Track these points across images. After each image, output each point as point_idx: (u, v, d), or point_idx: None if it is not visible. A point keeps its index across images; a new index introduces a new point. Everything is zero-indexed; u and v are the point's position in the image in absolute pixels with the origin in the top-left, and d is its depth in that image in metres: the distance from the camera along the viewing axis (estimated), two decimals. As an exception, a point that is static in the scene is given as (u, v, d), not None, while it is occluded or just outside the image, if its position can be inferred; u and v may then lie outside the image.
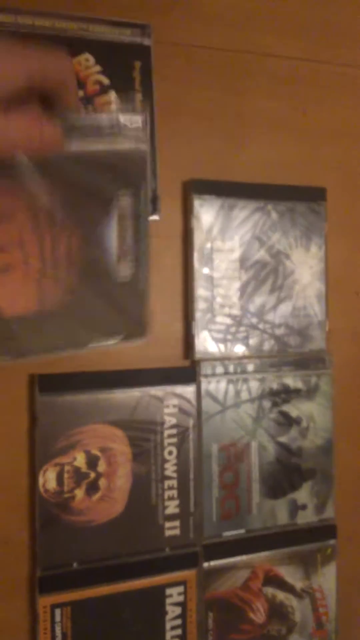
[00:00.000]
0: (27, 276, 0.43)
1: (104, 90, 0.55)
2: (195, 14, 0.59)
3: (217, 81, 0.60)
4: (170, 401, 0.57)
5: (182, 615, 0.57)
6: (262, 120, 0.61)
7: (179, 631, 0.57)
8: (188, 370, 0.58)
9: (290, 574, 0.61)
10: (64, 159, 0.41)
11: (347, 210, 0.65)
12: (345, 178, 0.65)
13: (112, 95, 0.55)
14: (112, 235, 0.45)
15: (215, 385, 0.58)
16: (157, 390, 0.56)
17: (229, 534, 0.59)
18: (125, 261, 0.45)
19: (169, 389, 0.57)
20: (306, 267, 0.61)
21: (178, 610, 0.57)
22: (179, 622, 0.57)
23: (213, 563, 0.59)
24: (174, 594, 0.57)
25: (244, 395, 0.59)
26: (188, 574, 0.57)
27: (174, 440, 0.57)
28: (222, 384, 0.59)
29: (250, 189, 0.59)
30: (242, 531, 0.60)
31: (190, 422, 0.58)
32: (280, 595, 0.61)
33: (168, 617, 0.57)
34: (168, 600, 0.57)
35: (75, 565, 0.54)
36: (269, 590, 0.61)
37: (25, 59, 0.36)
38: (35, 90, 0.38)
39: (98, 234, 0.44)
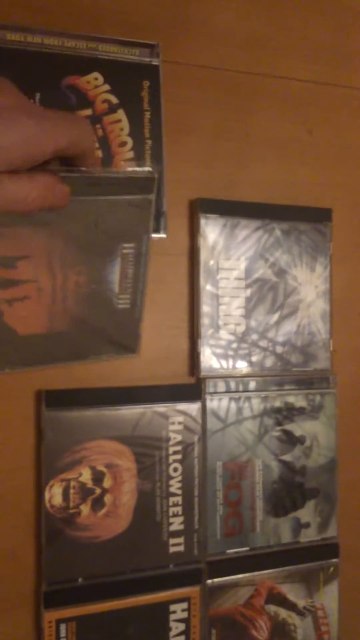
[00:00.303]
0: (40, 304, 0.50)
1: (112, 109, 0.55)
2: (204, 34, 0.59)
3: (225, 101, 0.60)
4: (176, 418, 0.57)
5: (186, 632, 0.57)
6: (268, 141, 0.61)
7: (182, 648, 0.58)
8: (193, 387, 0.58)
9: (293, 592, 0.61)
10: (76, 208, 0.45)
11: (352, 231, 0.65)
12: (351, 199, 0.65)
13: (121, 114, 0.55)
14: (116, 274, 0.51)
15: (219, 403, 0.58)
16: (162, 407, 0.56)
17: (232, 551, 0.59)
18: (125, 293, 0.52)
19: (175, 406, 0.57)
20: (311, 287, 0.61)
21: (182, 627, 0.57)
22: (182, 638, 0.57)
23: (217, 580, 0.58)
24: (178, 611, 0.57)
25: (247, 413, 0.59)
26: (192, 590, 0.57)
27: (179, 457, 0.57)
28: (226, 402, 0.58)
29: (257, 208, 0.59)
30: (245, 549, 0.59)
31: (195, 439, 0.57)
32: (283, 613, 0.61)
33: (172, 633, 0.57)
34: (172, 617, 0.56)
35: (80, 580, 0.54)
36: (272, 608, 0.60)
37: (54, 134, 0.38)
38: (59, 156, 0.42)
39: (104, 272, 0.51)
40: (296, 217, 0.61)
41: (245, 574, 0.59)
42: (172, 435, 0.57)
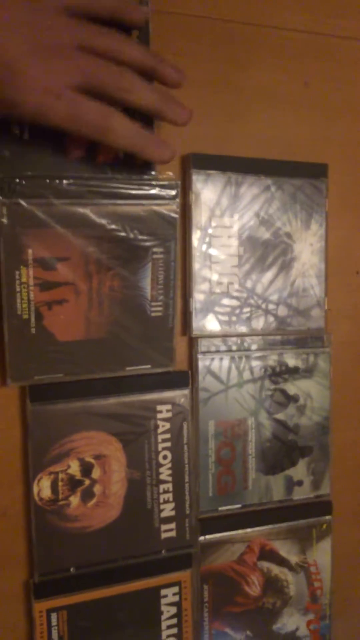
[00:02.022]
0: (78, 308, 0.49)
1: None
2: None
3: (218, 53, 0.54)
4: (164, 406, 0.53)
5: (178, 615, 0.55)
6: (263, 94, 0.56)
7: (174, 630, 0.55)
8: (181, 374, 0.54)
9: (286, 549, 0.59)
10: (111, 214, 0.49)
11: (349, 187, 0.60)
12: (348, 154, 0.60)
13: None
14: (147, 279, 0.51)
15: (212, 363, 0.55)
16: (150, 396, 0.53)
17: (224, 508, 0.56)
18: (157, 300, 0.52)
19: (162, 394, 0.53)
20: (306, 245, 0.57)
21: (173, 610, 0.55)
22: (174, 621, 0.55)
23: (209, 537, 0.56)
24: (169, 595, 0.54)
25: (241, 373, 0.56)
26: (183, 574, 0.55)
27: (168, 444, 0.54)
28: (219, 362, 0.55)
29: (250, 163, 0.55)
30: (238, 506, 0.57)
31: (184, 426, 0.54)
32: (276, 569, 0.58)
33: (163, 617, 0.54)
34: (163, 601, 0.54)
35: (72, 570, 0.51)
36: (265, 565, 0.58)
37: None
38: None
39: (136, 277, 0.50)
40: (291, 172, 0.56)
41: (238, 530, 0.57)
42: (160, 423, 0.53)
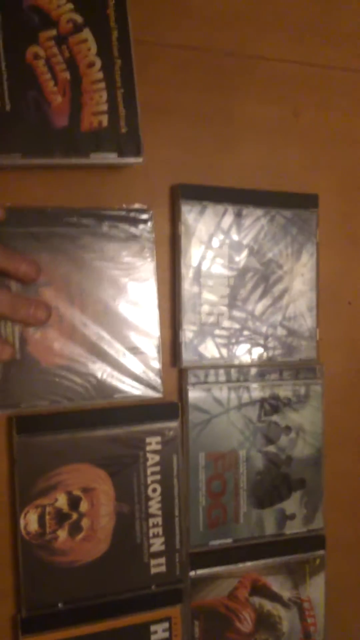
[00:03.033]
0: (62, 333, 0.49)
1: (77, 28, 0.48)
2: (181, 13, 0.53)
3: (206, 83, 0.54)
4: (153, 438, 0.52)
5: None
6: (252, 124, 0.55)
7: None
8: (170, 406, 0.53)
9: (278, 584, 0.57)
10: (91, 240, 0.50)
11: (339, 217, 0.59)
12: (338, 184, 0.59)
13: (87, 34, 0.49)
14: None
15: (201, 395, 0.54)
16: (139, 427, 0.52)
17: (215, 543, 0.55)
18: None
19: (151, 426, 0.52)
20: (297, 275, 0.56)
21: None
22: None
23: (199, 572, 0.54)
24: (159, 631, 0.53)
25: (232, 405, 0.54)
26: (173, 610, 0.53)
27: (158, 477, 0.52)
28: (209, 393, 0.54)
29: (240, 194, 0.54)
30: (229, 540, 0.55)
31: (174, 458, 0.53)
32: (268, 605, 0.57)
33: None
34: (153, 637, 0.52)
35: (60, 605, 0.49)
36: (257, 600, 0.56)
37: None
38: None
39: (116, 302, 0.50)
40: (282, 203, 0.55)
41: (229, 565, 0.55)
42: (149, 455, 0.52)
